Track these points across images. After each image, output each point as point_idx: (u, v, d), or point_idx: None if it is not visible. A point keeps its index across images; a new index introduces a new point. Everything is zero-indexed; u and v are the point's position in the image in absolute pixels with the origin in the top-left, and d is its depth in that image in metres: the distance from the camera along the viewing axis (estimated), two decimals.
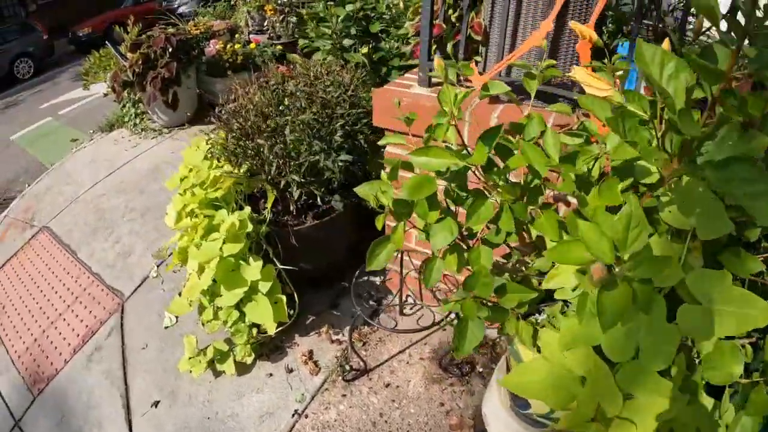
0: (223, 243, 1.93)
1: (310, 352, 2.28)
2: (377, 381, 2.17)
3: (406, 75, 2.10)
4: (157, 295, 2.78)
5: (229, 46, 4.99)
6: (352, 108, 1.93)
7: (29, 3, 12.60)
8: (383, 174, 1.11)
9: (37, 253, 3.45)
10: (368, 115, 2.03)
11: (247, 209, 1.99)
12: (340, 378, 2.18)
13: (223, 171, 2.04)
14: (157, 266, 2.96)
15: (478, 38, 1.93)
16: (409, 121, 1.06)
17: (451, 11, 2.01)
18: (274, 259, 2.11)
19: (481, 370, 2.21)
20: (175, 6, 11.60)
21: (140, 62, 4.31)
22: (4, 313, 3.09)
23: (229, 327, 2.13)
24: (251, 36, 5.68)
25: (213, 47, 4.90)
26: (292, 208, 2.05)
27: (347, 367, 2.21)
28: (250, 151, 1.89)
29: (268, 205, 1.98)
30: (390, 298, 2.54)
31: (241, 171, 2.12)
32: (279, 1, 5.44)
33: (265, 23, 5.50)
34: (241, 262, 1.96)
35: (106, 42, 4.57)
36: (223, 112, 2.18)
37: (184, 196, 2.16)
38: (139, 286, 2.87)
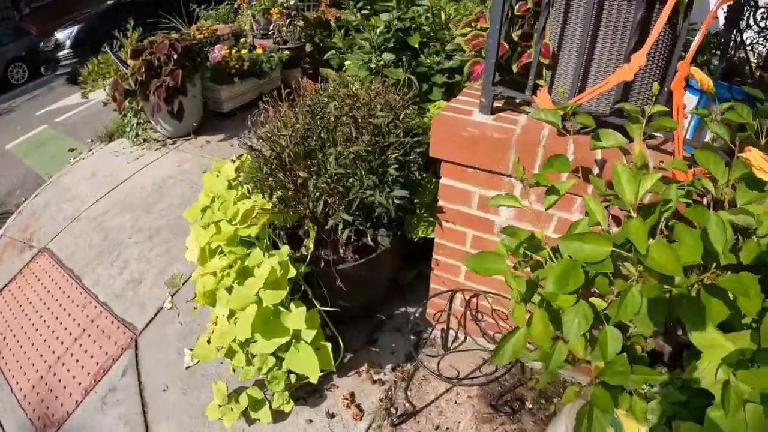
0: (261, 288, 1.73)
1: (352, 395, 2.11)
2: (425, 424, 2.02)
3: (460, 97, 1.93)
4: (174, 329, 2.58)
5: (234, 51, 4.78)
6: (405, 135, 1.75)
7: (23, 6, 12.14)
8: (499, 244, 0.93)
9: (37, 277, 3.23)
10: (421, 143, 1.85)
11: (285, 249, 1.80)
12: (386, 422, 2.02)
13: (256, 205, 1.84)
14: (172, 296, 2.76)
15: (545, 61, 1.77)
16: (535, 184, 0.89)
17: (511, 28, 1.84)
18: (314, 300, 1.93)
19: (531, 406, 2.08)
20: (52, 44, 8.69)
21: (143, 70, 4.08)
22: (6, 346, 2.87)
23: (264, 373, 1.95)
24: (256, 41, 5.46)
25: (218, 53, 4.68)
26: (342, 251, 1.87)
27: (393, 410, 2.05)
28: (289, 185, 1.70)
29: (310, 244, 1.79)
30: (429, 330, 2.38)
31: (274, 199, 1.93)
32: (285, 5, 5.23)
33: (271, 27, 5.29)
34: (281, 308, 1.77)
35: (105, 47, 4.32)
36: (251, 134, 1.99)
37: (207, 230, 1.96)
38: (152, 318, 2.67)
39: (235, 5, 5.70)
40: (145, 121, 4.60)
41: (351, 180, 1.66)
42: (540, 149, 1.55)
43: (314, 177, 1.63)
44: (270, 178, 1.74)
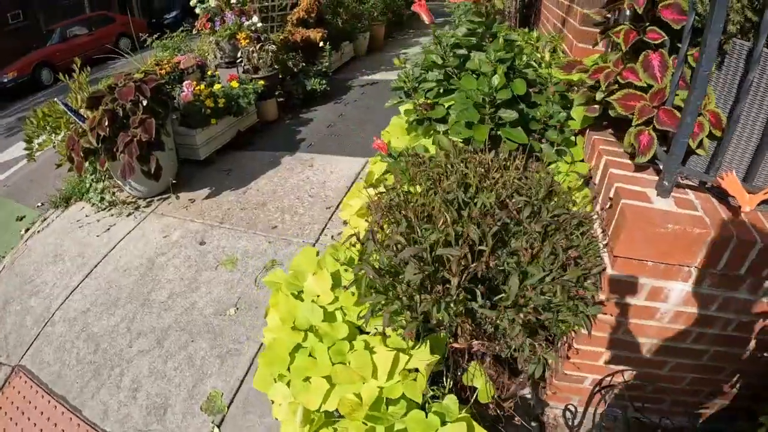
0: None
1: None
2: None
3: (613, 171, 1.55)
4: None
5: (204, 86, 4.13)
6: (582, 230, 1.34)
7: None
8: None
9: (20, 410, 2.52)
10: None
11: (453, 402, 1.33)
12: None
13: (400, 350, 1.35)
14: (218, 426, 2.18)
15: (716, 133, 1.43)
16: None
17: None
18: None
19: None
20: None
21: (106, 123, 3.36)
22: None
23: None
24: (220, 70, 4.81)
25: (188, 90, 4.01)
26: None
27: None
28: (466, 328, 1.24)
29: (485, 387, 1.34)
30: (547, 411, 2.10)
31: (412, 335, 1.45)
32: (253, 29, 4.63)
33: (239, 54, 4.66)
34: None
35: (56, 99, 3.55)
36: (366, 251, 1.49)
37: (313, 385, 1.44)
38: None
39: (194, 31, 4.99)
40: (107, 178, 3.87)
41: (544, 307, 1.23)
42: (734, 241, 1.34)
43: (505, 313, 1.18)
44: (421, 315, 1.26)
